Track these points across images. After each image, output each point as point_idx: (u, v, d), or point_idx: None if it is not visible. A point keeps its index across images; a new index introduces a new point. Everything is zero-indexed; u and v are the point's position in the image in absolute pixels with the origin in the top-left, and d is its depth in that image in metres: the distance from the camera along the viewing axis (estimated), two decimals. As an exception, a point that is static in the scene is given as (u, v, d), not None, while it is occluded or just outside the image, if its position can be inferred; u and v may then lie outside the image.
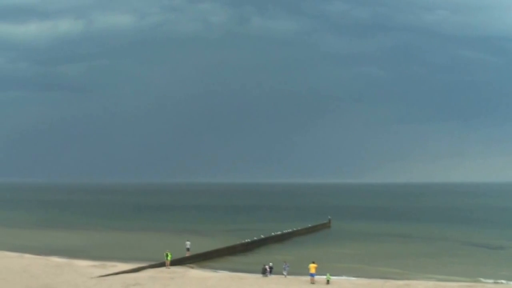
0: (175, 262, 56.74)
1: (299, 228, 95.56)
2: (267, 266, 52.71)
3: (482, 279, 51.70)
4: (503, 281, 51.14)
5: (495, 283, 50.35)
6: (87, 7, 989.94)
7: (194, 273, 52.11)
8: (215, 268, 56.85)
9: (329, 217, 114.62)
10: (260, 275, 51.71)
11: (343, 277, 51.50)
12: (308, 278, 48.45)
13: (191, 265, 58.60)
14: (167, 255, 55.73)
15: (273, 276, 51.39)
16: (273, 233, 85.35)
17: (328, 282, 47.24)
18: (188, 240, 65.70)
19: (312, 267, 48.72)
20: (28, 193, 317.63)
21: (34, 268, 52.42)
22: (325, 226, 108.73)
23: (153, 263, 55.91)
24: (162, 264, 55.42)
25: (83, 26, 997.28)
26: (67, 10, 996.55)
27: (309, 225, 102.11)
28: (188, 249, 63.65)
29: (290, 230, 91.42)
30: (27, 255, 63.16)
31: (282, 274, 51.97)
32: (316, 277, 47.90)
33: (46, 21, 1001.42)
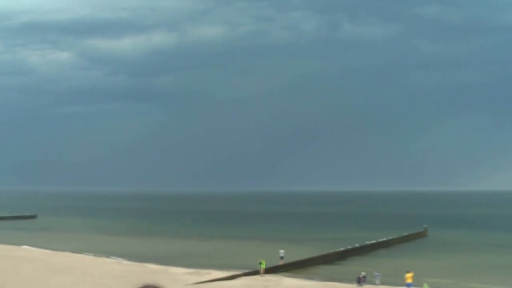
0: (269, 270, 56.77)
1: (394, 237, 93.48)
2: (361, 276, 51.82)
3: None
4: None
5: None
6: (179, 20, 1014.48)
7: (289, 282, 51.93)
8: (309, 277, 56.38)
9: (425, 225, 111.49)
10: (354, 285, 50.89)
11: (441, 288, 49.81)
12: (404, 288, 47.25)
13: (285, 273, 58.37)
14: (261, 263, 55.86)
15: (367, 286, 50.42)
16: (367, 242, 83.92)
17: (425, 292, 45.87)
18: (281, 249, 65.58)
19: (409, 277, 47.52)
20: (126, 202, 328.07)
21: (132, 274, 53.80)
22: (421, 235, 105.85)
23: (247, 271, 56.18)
24: (256, 272, 55.60)
25: (176, 39, 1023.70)
26: (160, 24, 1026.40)
27: (405, 234, 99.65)
28: (282, 257, 63.50)
29: (384, 239, 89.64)
30: (125, 262, 65.06)
31: (374, 283, 50.95)
32: (413, 288, 46.63)
33: (141, 34, 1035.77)
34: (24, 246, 79.30)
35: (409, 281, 47.40)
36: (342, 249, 75.43)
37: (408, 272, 48.26)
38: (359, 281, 51.28)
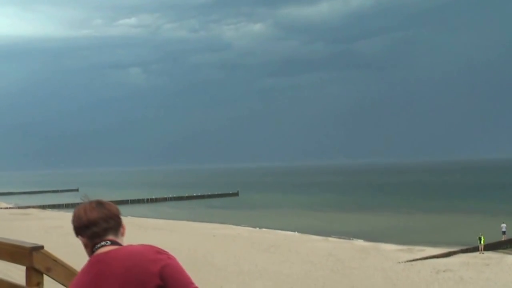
0: (489, 247, 55.26)
1: None
2: None
3: None
4: None
5: None
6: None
7: (513, 259, 50.08)
8: (537, 254, 53.90)
9: None
10: None
11: None
12: None
13: (508, 250, 56.40)
14: (480, 239, 54.49)
15: None
16: None
17: None
18: (503, 222, 63.29)
19: None
20: (327, 176, 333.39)
21: (339, 251, 55.18)
22: None
23: (464, 247, 55.12)
24: (475, 249, 54.40)
25: None
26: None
27: None
28: (504, 233, 61.37)
29: None
30: (331, 239, 66.70)
31: None
32: None
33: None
34: (228, 224, 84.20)
35: None
36: None
37: None
38: None
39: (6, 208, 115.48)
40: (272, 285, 39.01)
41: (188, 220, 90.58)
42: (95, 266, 3.75)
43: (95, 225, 3.81)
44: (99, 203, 3.90)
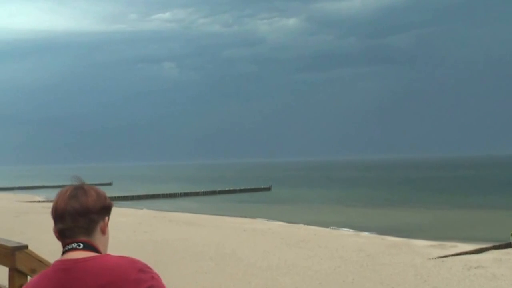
0: (522, 243, 54.23)
1: None
2: None
3: None
4: None
5: None
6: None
7: (547, 256, 49.07)
8: None
9: None
10: None
11: None
12: None
13: (544, 246, 55.30)
14: (512, 235, 53.65)
15: None
16: None
17: None
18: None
19: None
20: (358, 171, 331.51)
21: (370, 247, 54.53)
22: None
23: (497, 244, 54.19)
24: (507, 245, 53.43)
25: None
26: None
27: None
28: (538, 229, 60.21)
29: None
30: (363, 234, 66.14)
31: None
32: None
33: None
34: (259, 219, 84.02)
35: None
36: None
37: None
38: None
39: (39, 201, 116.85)
40: (301, 281, 38.57)
41: (219, 214, 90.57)
42: (60, 274, 3.14)
43: (61, 221, 3.24)
44: (79, 190, 3.29)
